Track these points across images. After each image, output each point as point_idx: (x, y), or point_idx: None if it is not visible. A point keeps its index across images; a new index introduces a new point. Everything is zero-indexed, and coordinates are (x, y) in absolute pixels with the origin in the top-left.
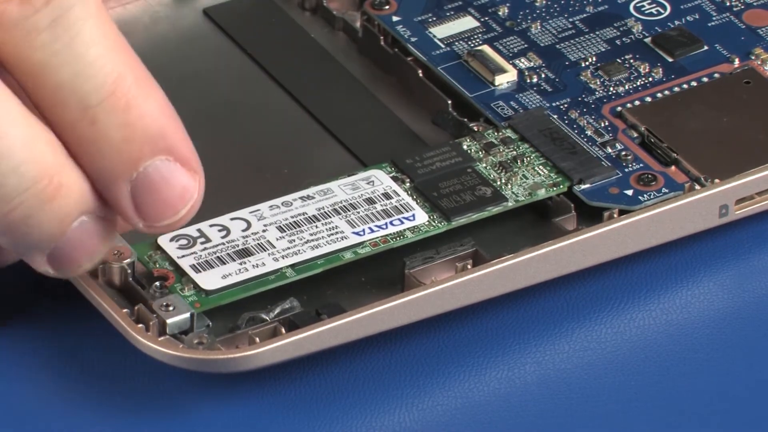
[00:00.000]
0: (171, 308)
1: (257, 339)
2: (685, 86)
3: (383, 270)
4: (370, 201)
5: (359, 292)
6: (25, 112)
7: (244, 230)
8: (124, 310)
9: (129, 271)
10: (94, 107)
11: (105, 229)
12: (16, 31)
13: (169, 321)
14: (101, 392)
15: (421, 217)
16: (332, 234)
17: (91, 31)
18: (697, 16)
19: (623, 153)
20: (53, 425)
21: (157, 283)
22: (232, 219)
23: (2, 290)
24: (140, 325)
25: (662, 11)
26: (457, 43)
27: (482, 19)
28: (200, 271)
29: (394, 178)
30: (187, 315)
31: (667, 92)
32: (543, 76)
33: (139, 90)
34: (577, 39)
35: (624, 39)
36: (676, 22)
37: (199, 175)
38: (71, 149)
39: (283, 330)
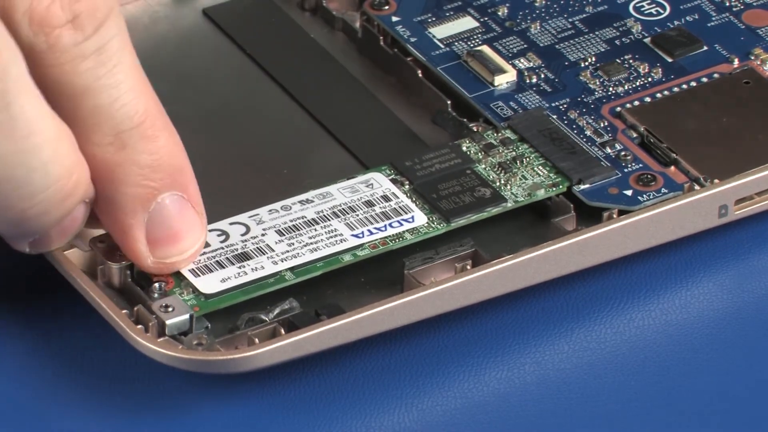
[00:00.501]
0: (170, 309)
1: (256, 340)
2: (684, 86)
3: (383, 270)
4: (369, 204)
5: (359, 292)
6: (51, 110)
7: (243, 234)
8: (124, 311)
9: (128, 272)
10: (127, 132)
11: (87, 211)
12: (66, 56)
13: (168, 322)
14: (101, 392)
15: (421, 219)
16: (331, 237)
17: (128, 62)
18: (696, 17)
19: (623, 153)
20: (53, 425)
21: (157, 284)
22: (231, 224)
23: (1, 290)
24: (140, 326)
25: (662, 11)
26: (456, 44)
27: (482, 20)
28: (199, 275)
29: (393, 181)
30: (187, 316)
31: (666, 92)
32: (542, 76)
33: (163, 124)
34: (576, 39)
35: (623, 39)
36: (676, 23)
37: (204, 217)
38: (97, 173)
39: (283, 331)
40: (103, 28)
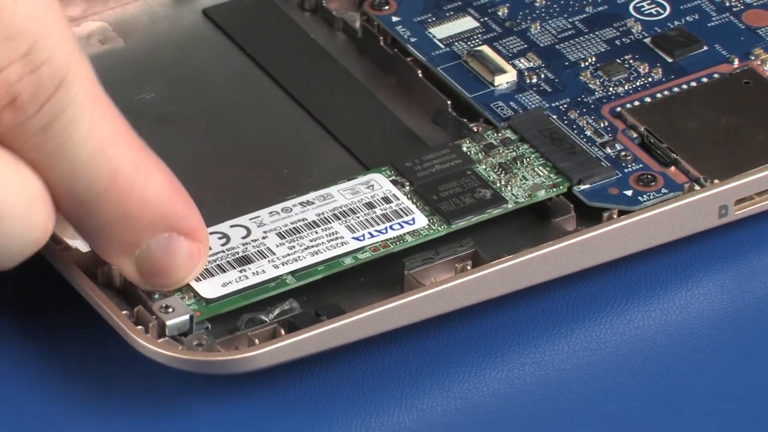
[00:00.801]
0: (170, 310)
1: (257, 340)
2: (684, 86)
3: (383, 271)
4: (370, 205)
5: (359, 293)
6: (17, 179)
7: (243, 237)
8: (124, 312)
9: None
10: (91, 201)
11: None
12: (9, 136)
13: (168, 322)
14: (101, 393)
15: (421, 220)
16: (332, 239)
17: (85, 130)
18: (696, 17)
19: (623, 153)
20: (53, 425)
21: None
22: (231, 226)
23: (1, 291)
24: (140, 327)
25: (662, 11)
26: (456, 44)
27: (482, 20)
28: (200, 280)
29: (394, 182)
30: (187, 317)
31: (666, 92)
32: (542, 76)
33: (137, 177)
34: (576, 39)
35: (624, 39)
36: (676, 23)
37: (204, 243)
38: (75, 224)
39: (283, 331)
40: (49, 103)
